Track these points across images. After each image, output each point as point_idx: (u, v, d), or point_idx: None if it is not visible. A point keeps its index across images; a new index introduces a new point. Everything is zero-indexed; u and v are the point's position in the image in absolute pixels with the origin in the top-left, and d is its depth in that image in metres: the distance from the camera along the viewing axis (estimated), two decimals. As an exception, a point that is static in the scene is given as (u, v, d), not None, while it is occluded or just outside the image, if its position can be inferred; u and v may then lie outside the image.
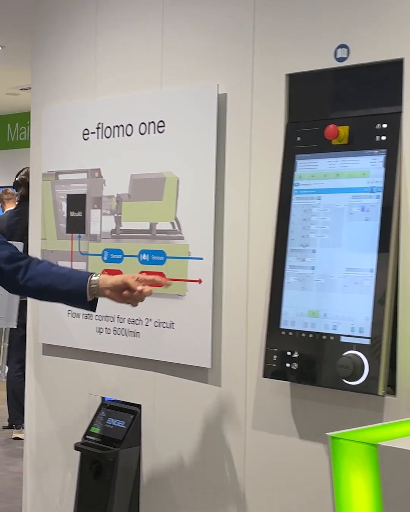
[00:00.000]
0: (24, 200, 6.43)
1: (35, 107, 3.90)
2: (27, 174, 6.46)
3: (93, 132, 3.56)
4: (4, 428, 6.35)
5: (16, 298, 3.86)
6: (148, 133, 3.33)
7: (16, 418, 6.09)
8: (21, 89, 8.82)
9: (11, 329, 3.86)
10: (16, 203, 6.49)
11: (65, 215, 3.68)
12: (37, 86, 3.90)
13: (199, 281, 3.13)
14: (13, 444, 5.94)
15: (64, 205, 3.69)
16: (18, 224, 6.31)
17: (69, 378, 3.70)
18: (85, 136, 3.59)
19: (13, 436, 6.05)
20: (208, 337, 3.11)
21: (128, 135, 3.41)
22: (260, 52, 2.96)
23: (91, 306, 2.74)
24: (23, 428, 6.08)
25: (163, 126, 3.27)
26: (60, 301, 2.83)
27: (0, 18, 5.88)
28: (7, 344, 3.92)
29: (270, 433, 2.94)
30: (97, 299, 2.74)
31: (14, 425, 6.10)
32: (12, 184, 6.65)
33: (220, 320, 3.10)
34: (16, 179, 6.49)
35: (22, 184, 6.45)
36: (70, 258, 3.65)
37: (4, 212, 6.57)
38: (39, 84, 3.88)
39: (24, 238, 5.62)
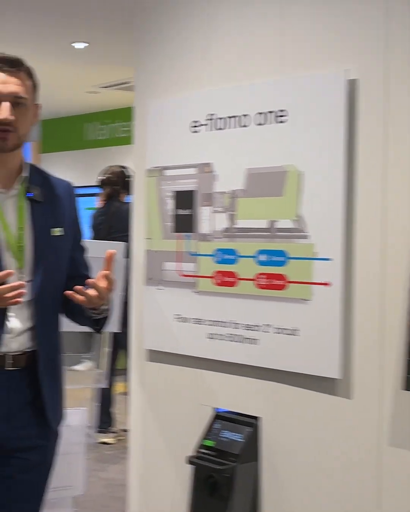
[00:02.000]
0: (109, 199, 6.26)
1: (138, 101, 3.67)
2: (113, 173, 6.28)
3: (204, 124, 3.32)
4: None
5: (117, 301, 3.65)
6: (267, 124, 3.08)
7: (103, 423, 5.91)
8: (101, 87, 8.64)
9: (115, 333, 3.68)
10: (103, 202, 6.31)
11: (171, 213, 3.46)
12: (140, 80, 3.67)
13: (327, 284, 2.87)
14: (100, 449, 5.74)
15: (170, 202, 3.46)
16: (102, 224, 6.14)
17: (178, 387, 3.47)
18: (194, 129, 3.35)
19: (99, 441, 5.86)
20: (337, 345, 2.85)
21: (244, 126, 3.17)
22: (396, 31, 2.69)
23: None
24: (110, 432, 5.90)
25: (284, 116, 3.02)
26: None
27: (85, 15, 5.70)
28: (110, 349, 3.71)
29: (410, 451, 2.67)
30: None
31: (100, 429, 5.92)
32: (95, 184, 6.47)
33: (351, 327, 2.83)
34: (101, 177, 6.31)
35: (107, 183, 6.28)
36: (177, 259, 3.42)
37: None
38: (143, 77, 3.65)
39: (113, 237, 5.44)
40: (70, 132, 11.61)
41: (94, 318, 2.50)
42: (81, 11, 5.50)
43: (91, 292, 2.35)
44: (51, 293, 2.45)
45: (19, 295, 2.23)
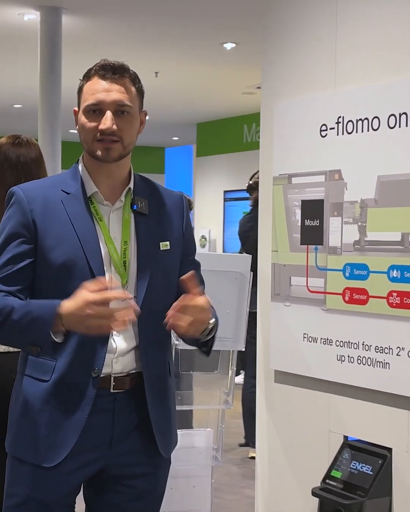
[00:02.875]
0: (257, 205, 6.06)
1: (265, 104, 3.46)
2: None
3: (333, 128, 3.07)
4: (241, 445, 5.97)
5: (244, 317, 3.45)
6: (400, 127, 2.80)
7: (253, 436, 5.67)
8: (257, 88, 8.47)
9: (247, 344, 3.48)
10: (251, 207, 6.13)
11: (299, 224, 3.22)
12: (268, 82, 3.46)
13: None
14: (249, 464, 5.50)
15: (298, 212, 3.23)
16: (251, 231, 5.93)
17: (306, 411, 3.23)
18: (323, 133, 3.11)
19: (249, 456, 5.62)
20: None
21: (374, 130, 2.90)
22: None
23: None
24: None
25: (419, 118, 2.74)
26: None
27: (235, 16, 5.56)
28: (234, 368, 3.51)
29: None
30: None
31: (250, 443, 5.69)
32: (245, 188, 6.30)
33: None
34: (250, 182, 6.12)
35: (255, 188, 6.07)
36: (305, 274, 3.18)
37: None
38: (270, 79, 3.44)
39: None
40: (227, 134, 11.49)
41: (200, 341, 2.30)
42: (228, 11, 5.38)
43: (184, 321, 2.14)
44: (157, 310, 2.28)
45: (128, 317, 2.06)
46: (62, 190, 2.29)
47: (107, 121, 2.21)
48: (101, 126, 2.22)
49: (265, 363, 3.41)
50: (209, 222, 12.81)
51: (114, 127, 2.21)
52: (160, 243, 2.33)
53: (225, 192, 12.30)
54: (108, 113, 2.22)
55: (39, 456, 2.22)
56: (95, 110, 2.23)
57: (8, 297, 2.18)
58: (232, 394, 3.53)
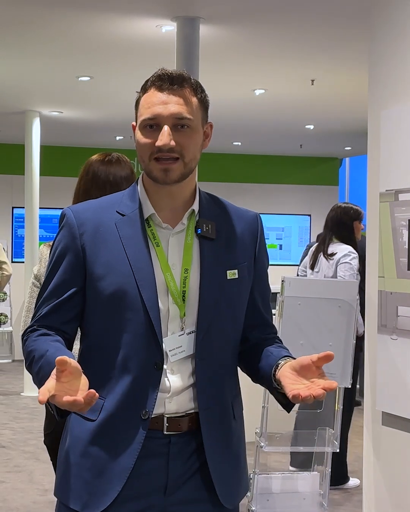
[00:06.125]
0: None
1: (372, 110, 3.08)
2: None
3: (440, 137, 2.67)
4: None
5: (351, 349, 3.08)
6: None
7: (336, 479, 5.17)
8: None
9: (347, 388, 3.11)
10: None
11: (406, 246, 2.82)
12: (375, 86, 3.08)
13: None
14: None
15: (405, 233, 2.84)
16: None
17: (415, 461, 2.82)
18: (430, 143, 2.71)
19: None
20: None
21: None
22: None
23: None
24: None
25: None
26: None
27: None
28: (341, 406, 3.14)
29: None
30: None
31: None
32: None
33: None
34: None
35: None
36: (413, 303, 2.78)
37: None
38: (378, 83, 3.06)
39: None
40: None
41: (282, 392, 1.97)
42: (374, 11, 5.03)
43: (316, 392, 1.81)
44: (221, 346, 2.00)
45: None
46: (117, 211, 2.05)
47: (165, 136, 1.94)
48: (158, 143, 1.95)
49: (372, 403, 3.02)
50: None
51: (173, 143, 1.94)
52: (228, 272, 2.03)
53: None
54: (166, 128, 1.95)
55: (82, 503, 1.99)
56: (152, 125, 1.97)
57: (39, 339, 1.97)
58: (337, 434, 3.16)
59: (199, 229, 2.03)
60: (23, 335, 2.03)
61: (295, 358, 1.98)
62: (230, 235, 2.07)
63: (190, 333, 1.97)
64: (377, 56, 3.04)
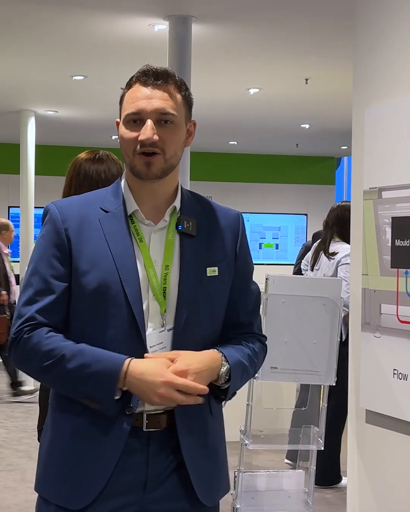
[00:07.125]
0: None
1: (357, 109, 3.08)
2: None
3: (422, 134, 2.67)
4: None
5: (335, 348, 3.07)
6: None
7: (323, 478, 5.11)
8: None
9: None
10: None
11: (389, 244, 2.82)
12: (359, 85, 3.08)
13: None
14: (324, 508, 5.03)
15: (388, 231, 2.84)
16: None
17: (400, 458, 2.82)
18: (412, 141, 2.71)
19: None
20: None
21: None
22: None
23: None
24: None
25: None
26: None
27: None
28: (325, 404, 3.14)
29: None
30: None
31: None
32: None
33: None
34: None
35: None
36: (395, 301, 2.78)
37: None
38: (362, 82, 3.06)
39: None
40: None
41: (219, 387, 1.99)
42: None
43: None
44: (197, 343, 2.00)
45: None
46: (101, 208, 2.05)
47: (148, 130, 1.95)
48: (141, 137, 1.96)
49: (356, 400, 3.02)
50: None
51: (155, 137, 1.95)
52: (207, 269, 2.03)
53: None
54: (149, 122, 1.96)
55: (64, 497, 1.99)
56: (136, 120, 1.98)
57: (55, 337, 1.96)
58: (324, 432, 3.16)
59: (180, 226, 2.03)
60: (19, 333, 1.96)
61: (228, 358, 2.00)
62: (211, 232, 2.07)
63: (170, 329, 1.97)
64: (360, 55, 3.04)
